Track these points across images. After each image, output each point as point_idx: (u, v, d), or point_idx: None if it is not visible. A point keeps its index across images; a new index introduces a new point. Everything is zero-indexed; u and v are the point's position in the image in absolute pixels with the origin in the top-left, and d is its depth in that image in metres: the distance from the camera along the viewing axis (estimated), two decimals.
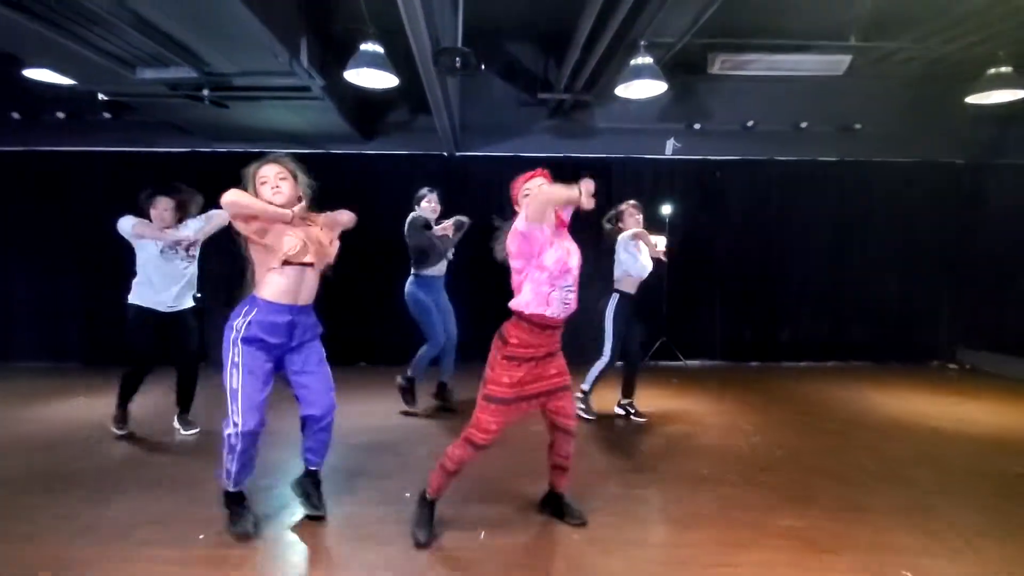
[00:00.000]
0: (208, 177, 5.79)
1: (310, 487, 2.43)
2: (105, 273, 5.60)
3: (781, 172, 6.22)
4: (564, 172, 6.78)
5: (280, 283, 2.17)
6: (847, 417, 4.23)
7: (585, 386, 3.97)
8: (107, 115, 5.45)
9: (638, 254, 3.89)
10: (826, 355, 6.37)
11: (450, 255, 4.18)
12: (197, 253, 3.57)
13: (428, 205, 4.16)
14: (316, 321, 2.37)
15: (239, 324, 2.15)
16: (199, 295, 3.60)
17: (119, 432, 3.49)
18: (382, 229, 6.00)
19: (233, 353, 2.13)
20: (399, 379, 4.13)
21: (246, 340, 2.13)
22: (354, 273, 5.66)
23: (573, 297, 2.21)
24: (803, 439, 3.68)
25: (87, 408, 4.26)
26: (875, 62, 5.42)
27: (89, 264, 5.89)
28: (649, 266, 3.94)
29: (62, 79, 3.91)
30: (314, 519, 2.41)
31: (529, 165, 6.86)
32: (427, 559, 2.12)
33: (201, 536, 2.27)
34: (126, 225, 3.32)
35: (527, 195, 2.19)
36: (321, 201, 6.37)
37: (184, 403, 3.62)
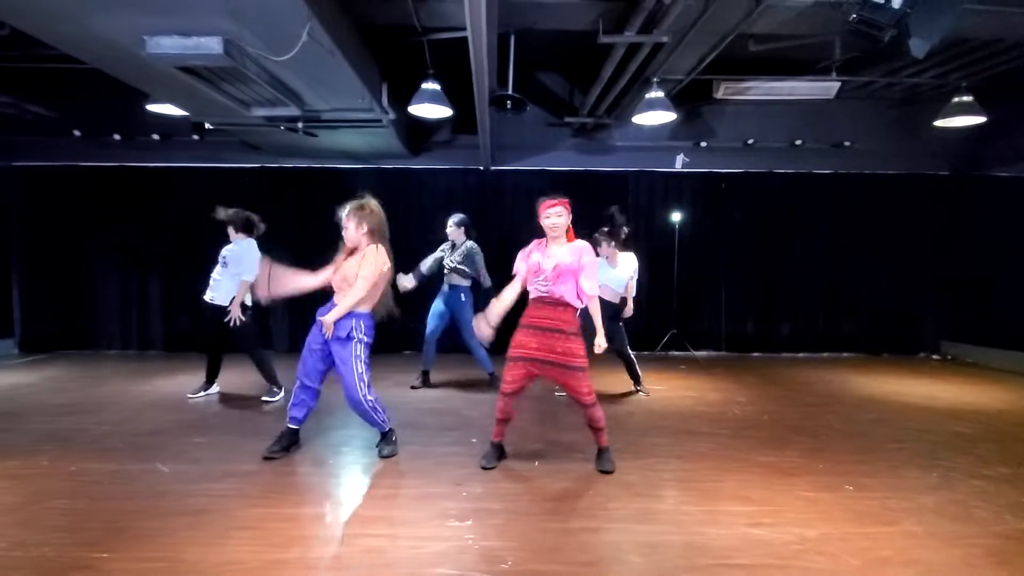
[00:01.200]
0: (274, 189, 6.79)
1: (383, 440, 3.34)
2: (183, 273, 6.55)
3: (780, 184, 6.97)
4: (586, 184, 7.69)
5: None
6: (828, 394, 4.99)
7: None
8: (195, 136, 6.38)
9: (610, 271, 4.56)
10: (822, 347, 7.11)
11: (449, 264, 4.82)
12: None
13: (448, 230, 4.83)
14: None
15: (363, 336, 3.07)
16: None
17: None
18: (427, 230, 6.91)
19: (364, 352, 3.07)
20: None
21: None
22: (404, 269, 6.58)
23: (547, 287, 2.91)
24: (786, 408, 4.45)
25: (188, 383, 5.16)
26: (862, 87, 6.19)
27: (170, 264, 6.82)
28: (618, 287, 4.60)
29: (179, 111, 4.81)
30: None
31: (555, 178, 7.79)
32: (494, 474, 2.95)
33: (330, 461, 3.12)
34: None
35: (547, 219, 2.85)
36: None
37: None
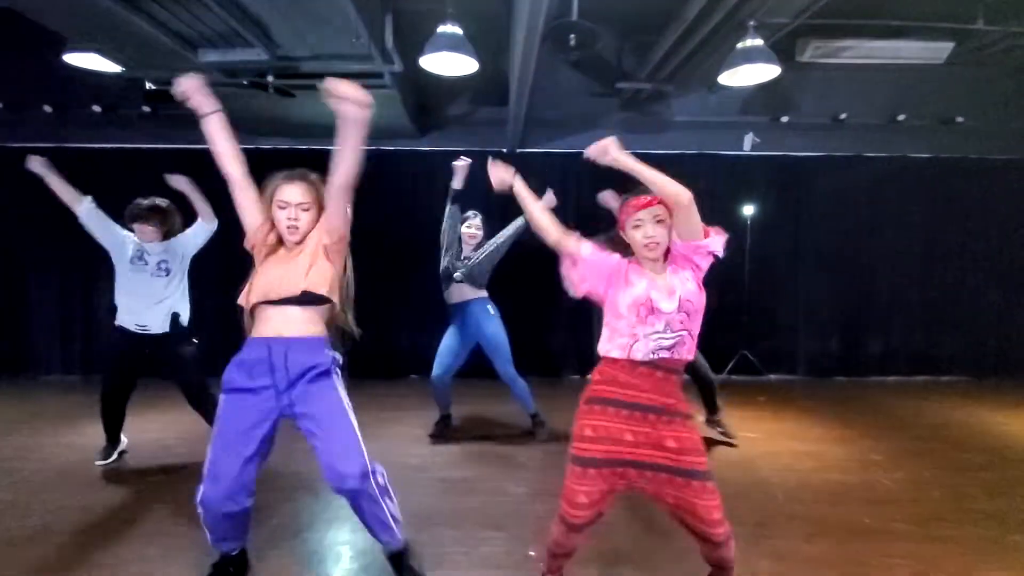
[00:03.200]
0: (251, 174, 5.49)
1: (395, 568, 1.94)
2: None
3: (872, 170, 5.72)
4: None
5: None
6: (987, 446, 3.73)
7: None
8: (146, 108, 5.07)
9: None
10: (916, 369, 5.86)
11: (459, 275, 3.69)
12: (175, 268, 3.14)
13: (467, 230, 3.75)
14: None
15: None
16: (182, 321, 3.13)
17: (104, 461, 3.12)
18: (437, 229, 5.64)
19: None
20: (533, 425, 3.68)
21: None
22: (410, 276, 5.32)
23: (673, 340, 1.64)
24: (953, 476, 3.19)
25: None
26: (978, 50, 4.94)
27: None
28: None
29: (108, 65, 3.52)
30: None
31: (594, 163, 6.39)
32: None
33: None
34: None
35: (637, 228, 1.69)
36: (372, 200, 5.92)
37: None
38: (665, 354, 1.62)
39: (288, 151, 5.41)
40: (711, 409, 3.59)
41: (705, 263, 1.69)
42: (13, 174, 5.40)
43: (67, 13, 2.86)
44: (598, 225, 6.20)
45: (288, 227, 1.79)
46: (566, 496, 1.65)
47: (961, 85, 5.33)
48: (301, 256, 1.80)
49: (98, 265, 5.48)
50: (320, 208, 1.86)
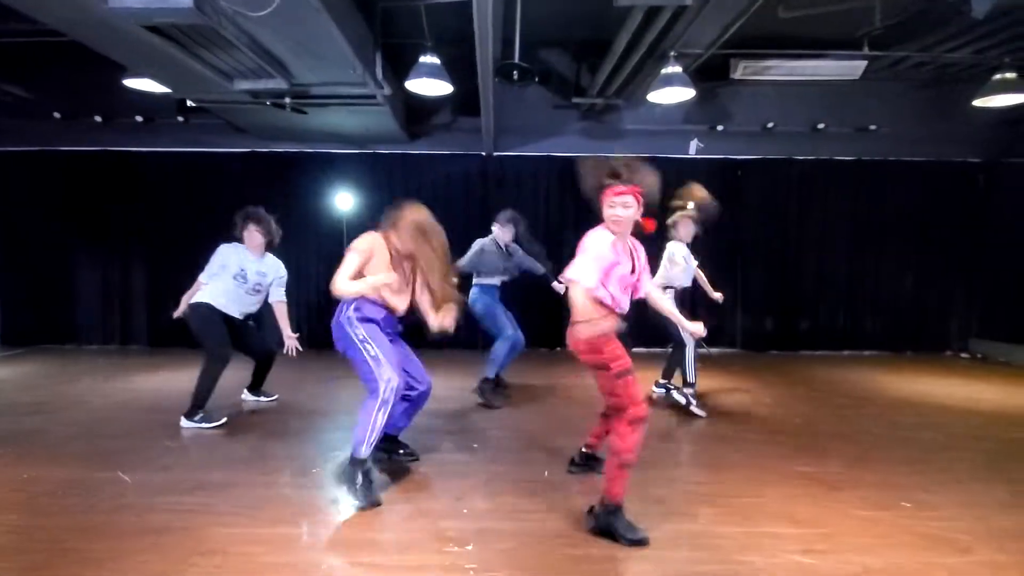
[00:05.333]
0: (264, 175, 6.43)
1: (396, 442, 2.91)
2: (168, 264, 6.19)
3: (800, 171, 6.58)
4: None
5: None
6: (858, 394, 4.62)
7: (690, 377, 3.95)
8: (180, 118, 6.01)
9: (680, 266, 4.12)
10: (842, 345, 6.73)
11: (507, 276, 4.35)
12: (262, 296, 3.76)
13: (497, 229, 4.24)
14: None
15: (350, 313, 2.57)
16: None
17: (213, 424, 3.48)
18: None
19: (356, 332, 2.52)
20: (479, 387, 4.15)
21: (364, 320, 2.56)
22: None
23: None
24: (817, 411, 4.08)
25: (171, 381, 4.81)
26: (889, 66, 5.79)
27: (154, 255, 6.46)
28: (687, 282, 4.24)
29: (159, 87, 4.44)
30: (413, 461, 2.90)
31: (562, 165, 7.38)
32: (499, 487, 2.59)
33: (315, 470, 2.77)
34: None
35: (611, 208, 2.21)
36: (370, 197, 6.87)
37: (258, 382, 4.09)
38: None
39: (299, 154, 6.34)
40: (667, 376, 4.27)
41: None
42: (64, 173, 6.41)
43: (129, 49, 3.75)
44: (565, 217, 7.03)
45: None
46: (636, 398, 2.16)
47: (876, 97, 6.17)
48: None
49: (133, 251, 6.47)
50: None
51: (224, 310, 3.57)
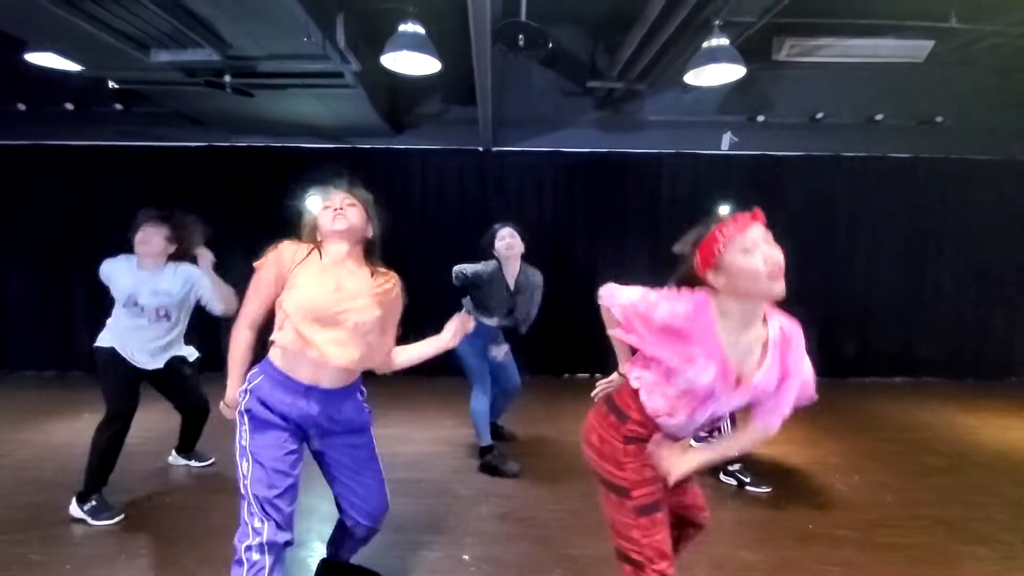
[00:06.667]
0: (226, 173, 5.48)
1: (348, 571, 1.98)
2: None
3: (850, 169, 5.66)
4: (610, 169, 6.30)
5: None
6: (949, 450, 3.70)
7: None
8: (118, 106, 5.07)
9: None
10: (894, 370, 5.83)
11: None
12: (178, 317, 2.74)
13: (500, 244, 3.10)
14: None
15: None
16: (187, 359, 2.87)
17: (103, 521, 2.50)
18: (413, 229, 5.62)
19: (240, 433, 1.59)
20: (480, 463, 3.19)
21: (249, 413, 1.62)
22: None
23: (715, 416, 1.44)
24: (909, 480, 3.17)
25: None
26: (959, 48, 4.86)
27: (96, 267, 5.52)
28: None
29: (69, 65, 3.51)
30: None
31: (573, 162, 6.42)
32: None
33: None
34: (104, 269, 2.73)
35: (745, 252, 1.28)
36: None
37: (188, 443, 3.15)
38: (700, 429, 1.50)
39: (265, 148, 5.40)
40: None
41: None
42: None
43: (18, 16, 2.84)
44: (575, 224, 6.19)
45: None
46: (659, 552, 1.37)
47: (942, 84, 5.25)
48: None
49: (72, 262, 5.54)
50: None
51: (130, 360, 2.65)
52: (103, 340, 2.70)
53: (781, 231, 4.83)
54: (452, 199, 5.63)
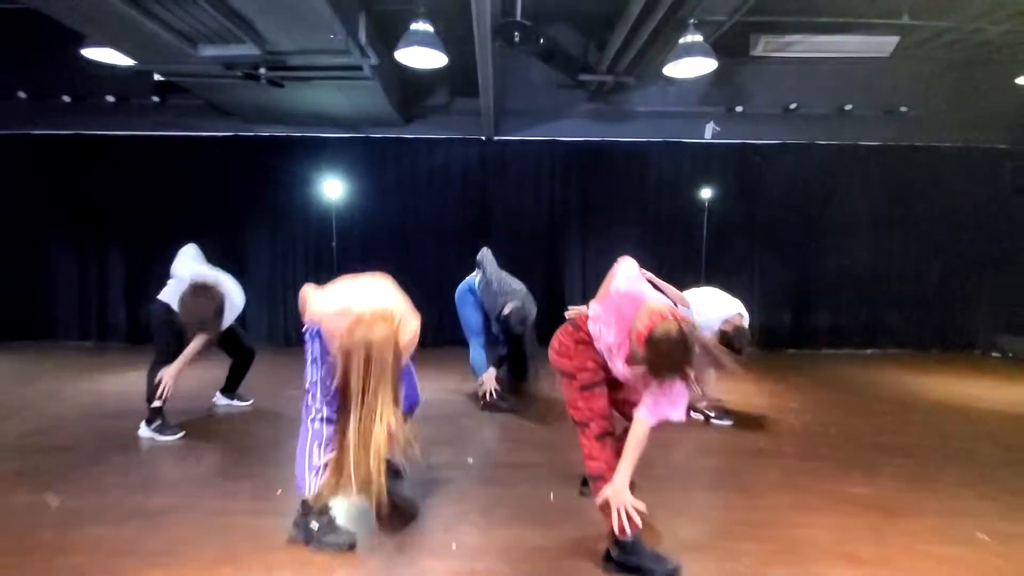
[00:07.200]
0: (248, 160, 5.99)
1: None
2: (147, 255, 5.76)
3: (823, 156, 6.12)
4: (602, 157, 6.80)
5: None
6: (896, 399, 4.18)
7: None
8: (155, 98, 5.58)
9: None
10: (865, 342, 6.28)
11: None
12: None
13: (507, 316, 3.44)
14: None
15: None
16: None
17: (168, 437, 3.04)
18: (420, 212, 6.11)
19: (312, 347, 2.03)
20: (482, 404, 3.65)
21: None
22: (395, 256, 5.77)
23: None
24: (854, 419, 3.64)
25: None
26: (921, 43, 5.33)
27: (132, 246, 6.04)
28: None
29: (121, 59, 4.00)
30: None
31: (567, 150, 6.89)
32: (498, 516, 2.16)
33: (279, 491, 2.34)
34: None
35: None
36: (361, 184, 6.42)
37: (233, 384, 3.67)
38: None
39: (287, 138, 5.90)
40: None
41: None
42: (35, 159, 5.97)
43: (83, 13, 3.32)
44: (569, 207, 6.53)
45: None
46: (601, 413, 1.90)
47: (906, 77, 5.70)
48: None
49: (110, 242, 6.05)
50: None
51: None
52: (164, 296, 3.16)
53: (758, 214, 5.41)
54: (456, 183, 6.12)
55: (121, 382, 4.34)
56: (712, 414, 3.51)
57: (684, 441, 3.12)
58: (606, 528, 1.80)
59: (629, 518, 1.68)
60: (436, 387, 4.20)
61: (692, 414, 3.56)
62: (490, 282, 3.49)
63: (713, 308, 3.33)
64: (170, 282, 3.21)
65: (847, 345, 6.29)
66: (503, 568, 1.82)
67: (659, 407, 1.75)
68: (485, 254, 3.62)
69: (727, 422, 3.46)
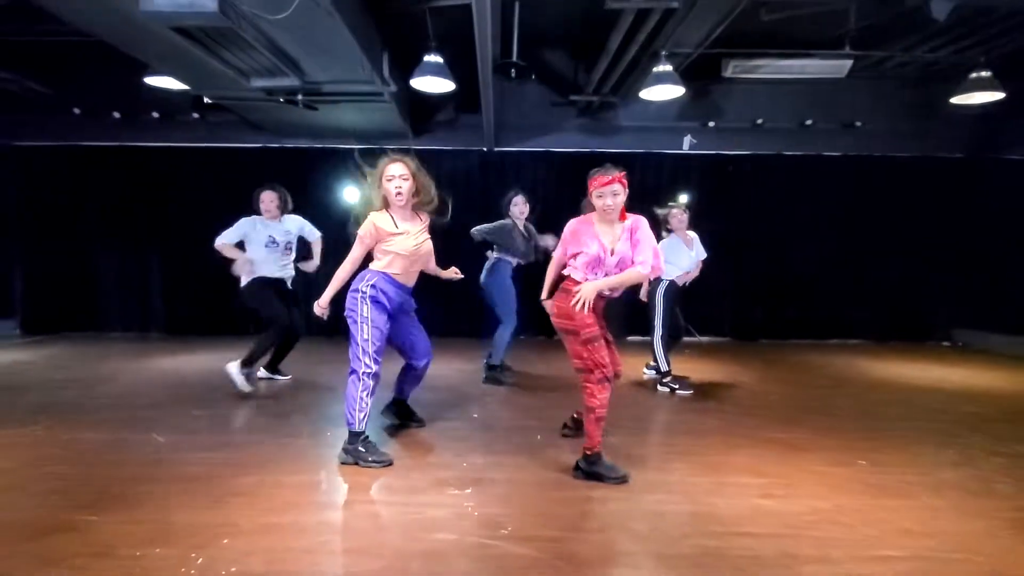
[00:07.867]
0: (277, 169, 6.71)
1: (407, 409, 3.20)
2: (184, 254, 6.49)
3: (789, 166, 6.83)
4: (591, 166, 7.53)
5: (398, 265, 2.71)
6: (837, 377, 4.89)
7: (663, 366, 4.21)
8: (195, 115, 6.30)
9: (681, 254, 4.41)
10: (830, 334, 6.99)
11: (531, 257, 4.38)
12: (293, 247, 4.18)
13: (516, 208, 4.31)
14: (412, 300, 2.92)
15: (364, 287, 2.63)
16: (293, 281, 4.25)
17: (246, 387, 3.82)
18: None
19: (362, 309, 2.62)
20: (486, 375, 4.34)
21: (372, 299, 2.63)
22: None
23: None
24: (795, 390, 4.35)
25: (205, 360, 5.10)
26: (874, 65, 6.04)
27: (171, 246, 6.75)
28: (689, 266, 4.49)
29: (179, 85, 4.73)
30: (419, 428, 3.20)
31: (559, 160, 7.62)
32: (496, 446, 2.87)
33: (328, 433, 3.06)
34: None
35: (599, 196, 2.46)
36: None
37: (277, 360, 4.37)
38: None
39: (310, 149, 6.63)
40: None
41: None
42: (86, 168, 6.70)
43: (156, 50, 4.05)
44: (562, 211, 7.22)
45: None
46: (602, 361, 2.44)
47: (861, 95, 6.42)
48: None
49: (150, 243, 6.77)
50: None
51: (270, 275, 3.98)
52: (254, 274, 3.94)
53: (732, 217, 6.30)
54: (461, 190, 6.81)
55: (173, 363, 5.07)
56: (677, 387, 4.21)
57: (649, 403, 3.83)
58: (581, 447, 2.50)
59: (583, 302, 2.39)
60: (445, 367, 4.91)
61: (659, 388, 4.27)
62: (507, 225, 4.15)
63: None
64: (247, 267, 3.89)
65: (813, 336, 6.99)
66: (500, 476, 2.52)
67: (647, 259, 2.45)
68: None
69: (688, 392, 4.17)
